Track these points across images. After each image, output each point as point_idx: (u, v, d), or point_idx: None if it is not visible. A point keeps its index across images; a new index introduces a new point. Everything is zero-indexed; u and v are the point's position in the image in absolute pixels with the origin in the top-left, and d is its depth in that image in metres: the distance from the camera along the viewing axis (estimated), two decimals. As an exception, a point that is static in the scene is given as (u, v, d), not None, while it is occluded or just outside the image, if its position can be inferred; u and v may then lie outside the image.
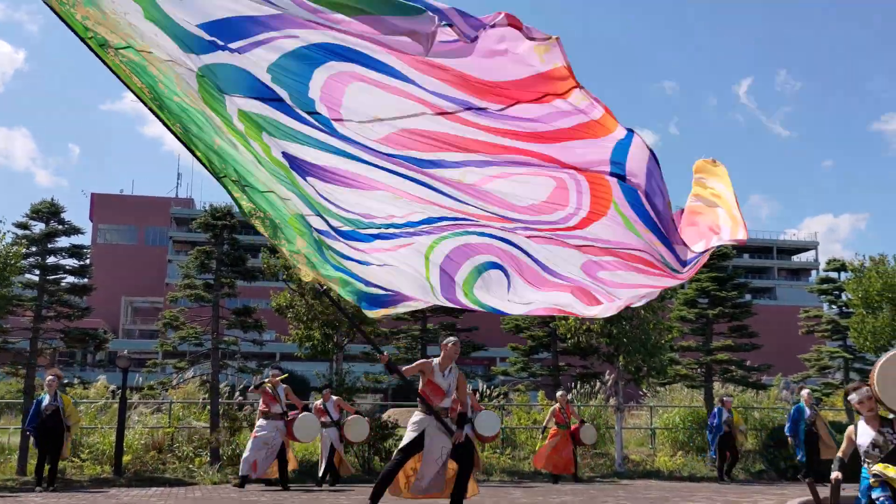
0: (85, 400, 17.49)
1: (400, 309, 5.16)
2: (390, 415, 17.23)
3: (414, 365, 8.02)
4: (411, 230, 4.57)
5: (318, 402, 13.57)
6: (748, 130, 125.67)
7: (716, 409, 16.11)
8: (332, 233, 4.66)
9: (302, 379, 31.48)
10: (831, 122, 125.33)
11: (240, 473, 12.56)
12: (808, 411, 14.82)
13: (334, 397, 13.71)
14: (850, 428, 6.47)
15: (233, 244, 17.17)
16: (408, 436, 7.66)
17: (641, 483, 14.55)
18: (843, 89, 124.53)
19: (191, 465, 14.82)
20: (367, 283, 4.96)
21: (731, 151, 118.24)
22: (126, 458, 14.62)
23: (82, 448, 15.22)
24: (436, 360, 7.91)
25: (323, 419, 13.15)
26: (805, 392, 15.63)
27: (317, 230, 4.68)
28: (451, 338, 8.11)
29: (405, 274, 4.86)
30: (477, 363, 23.74)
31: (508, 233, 4.41)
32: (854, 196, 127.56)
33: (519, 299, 4.70)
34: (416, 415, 7.80)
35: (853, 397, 6.17)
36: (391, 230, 4.58)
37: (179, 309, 17.73)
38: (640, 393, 23.48)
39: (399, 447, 7.73)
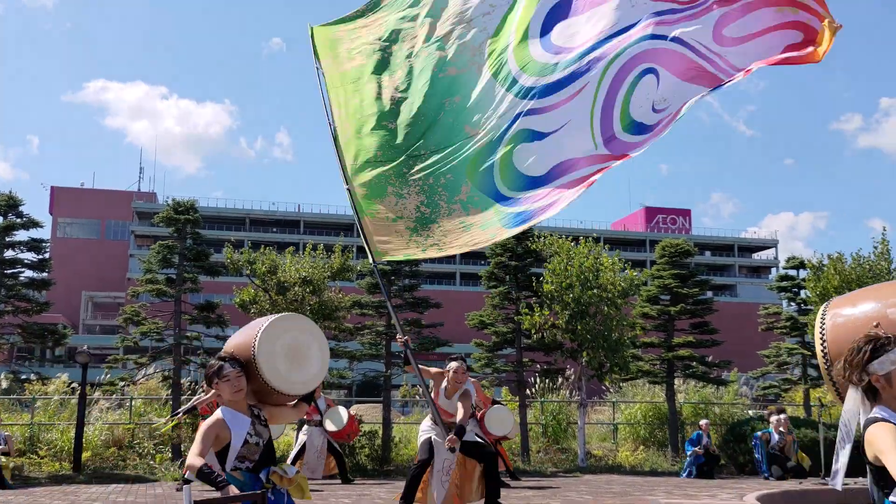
0: (44, 396, 17.23)
1: (541, 218, 5.70)
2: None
3: (431, 371, 7.57)
4: (597, 54, 5.57)
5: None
6: (712, 128, 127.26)
7: (761, 433, 15.04)
8: (527, 97, 5.76)
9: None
10: (792, 122, 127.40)
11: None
12: (775, 437, 14.80)
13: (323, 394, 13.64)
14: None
15: (195, 239, 17.01)
16: (419, 445, 7.50)
17: (604, 477, 14.71)
18: (804, 89, 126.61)
19: (152, 462, 14.68)
20: (525, 187, 5.72)
21: (694, 149, 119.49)
22: (85, 455, 14.44)
23: (40, 445, 14.99)
24: (444, 384, 7.47)
25: (315, 416, 13.00)
26: (776, 418, 15.20)
27: (511, 118, 5.80)
28: (453, 364, 7.51)
29: (573, 134, 5.61)
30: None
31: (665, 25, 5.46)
32: (814, 195, 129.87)
33: (666, 93, 5.45)
34: (425, 422, 7.63)
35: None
36: (579, 63, 5.60)
37: (141, 304, 17.52)
38: (603, 388, 23.71)
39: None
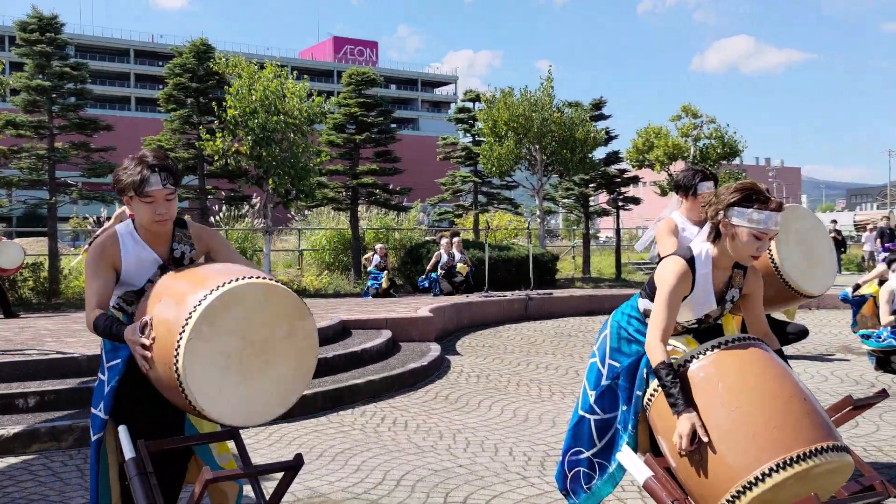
0: None
1: None
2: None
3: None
4: None
5: None
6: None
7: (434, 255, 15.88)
8: None
9: None
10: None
11: None
12: (444, 257, 15.89)
13: None
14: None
15: None
16: None
17: (288, 301, 15.00)
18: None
19: None
20: None
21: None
22: None
23: None
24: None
25: None
26: (446, 241, 16.16)
27: None
28: None
29: None
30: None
31: None
32: (492, 34, 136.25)
33: None
34: None
35: None
36: None
37: None
38: (289, 216, 23.84)
39: None
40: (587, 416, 3.64)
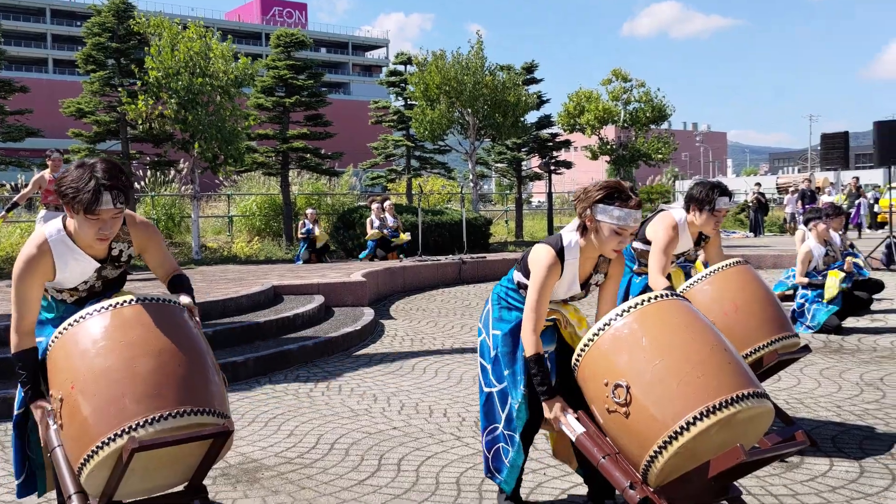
0: None
1: None
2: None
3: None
4: None
5: None
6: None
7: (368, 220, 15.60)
8: None
9: None
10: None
11: None
12: (376, 222, 15.76)
13: None
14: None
15: None
16: None
17: (219, 268, 14.75)
18: None
19: None
20: None
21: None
22: None
23: None
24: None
25: None
26: (376, 206, 16.02)
27: None
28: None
29: None
30: (35, 154, 21.31)
31: None
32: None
33: None
34: None
35: None
36: None
37: None
38: (217, 181, 23.36)
39: None
40: (490, 390, 3.69)
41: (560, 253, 3.47)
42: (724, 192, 4.64)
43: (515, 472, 3.66)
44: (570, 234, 3.53)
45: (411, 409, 5.82)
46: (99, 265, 3.20)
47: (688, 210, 4.74)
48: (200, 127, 15.50)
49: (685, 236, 4.75)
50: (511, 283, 3.77)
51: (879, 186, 32.22)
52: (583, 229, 3.46)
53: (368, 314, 9.54)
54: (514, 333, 3.61)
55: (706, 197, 4.62)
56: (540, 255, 3.48)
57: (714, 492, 3.11)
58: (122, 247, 3.24)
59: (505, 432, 3.64)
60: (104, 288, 3.32)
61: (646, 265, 4.85)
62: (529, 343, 3.39)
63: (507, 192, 33.57)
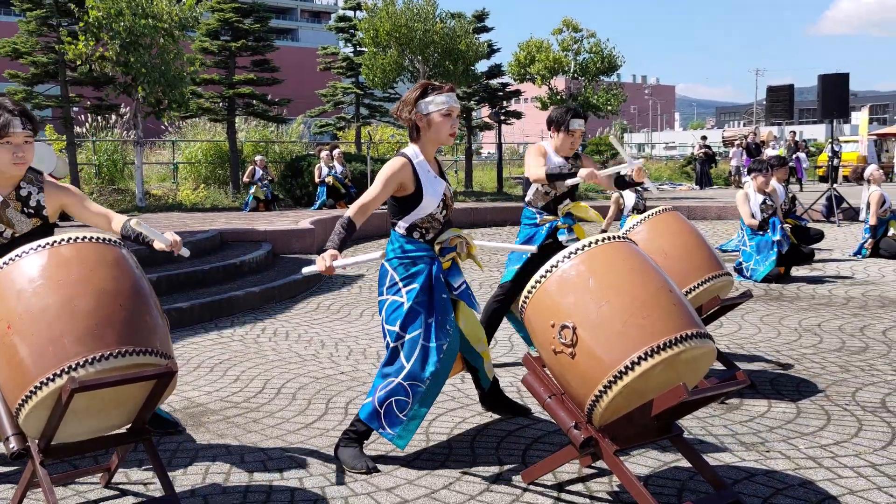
0: None
1: None
2: None
3: None
4: None
5: None
6: None
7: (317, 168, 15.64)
8: None
9: None
10: None
11: None
12: (325, 170, 15.66)
13: None
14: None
15: None
16: None
17: (164, 215, 14.48)
18: None
19: None
20: None
21: None
22: None
23: None
24: None
25: None
26: (325, 154, 16.08)
27: None
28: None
29: None
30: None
31: None
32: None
33: None
34: None
35: None
36: None
37: None
38: (162, 127, 22.79)
39: None
40: (395, 344, 3.65)
41: (406, 158, 3.68)
42: (578, 115, 5.14)
43: (413, 427, 3.62)
44: (408, 147, 3.75)
45: (359, 354, 5.82)
46: (3, 199, 3.42)
47: (549, 130, 5.23)
48: (143, 70, 15.02)
49: (555, 156, 5.17)
50: (398, 237, 3.77)
51: (818, 140, 32.82)
52: (416, 133, 3.69)
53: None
54: (427, 282, 3.67)
55: (561, 118, 5.10)
56: (389, 162, 3.69)
57: (656, 430, 3.18)
58: (31, 189, 3.50)
59: (406, 383, 3.59)
60: (11, 244, 3.36)
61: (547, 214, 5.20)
62: (347, 212, 3.61)
63: (457, 142, 33.43)
